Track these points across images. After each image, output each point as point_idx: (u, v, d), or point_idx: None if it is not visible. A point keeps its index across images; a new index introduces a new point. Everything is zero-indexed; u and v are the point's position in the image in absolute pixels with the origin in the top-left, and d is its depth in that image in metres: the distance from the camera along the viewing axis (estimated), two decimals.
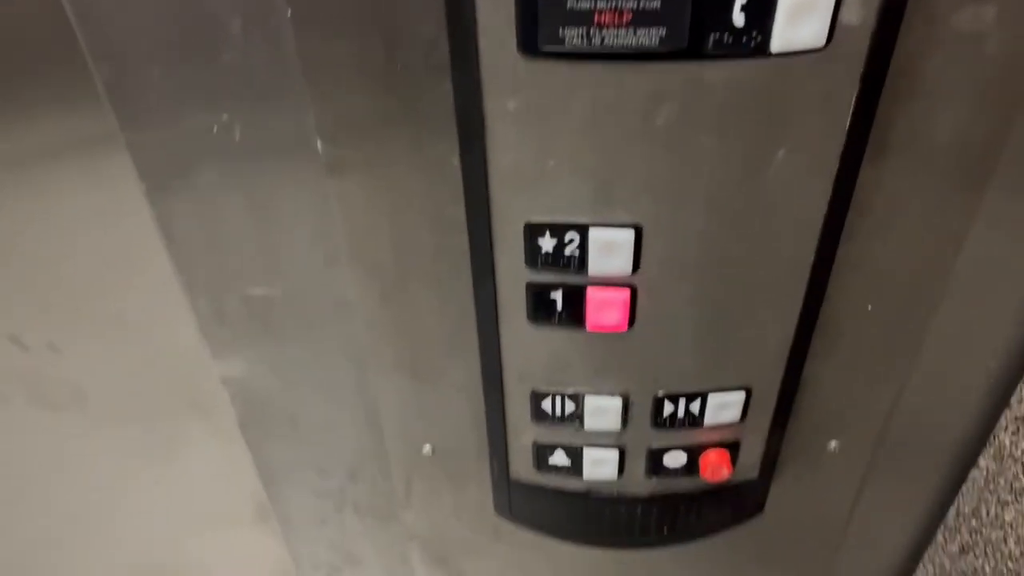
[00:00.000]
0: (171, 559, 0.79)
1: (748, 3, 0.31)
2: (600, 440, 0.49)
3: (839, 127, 0.35)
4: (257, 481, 0.69)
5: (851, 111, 0.34)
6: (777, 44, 0.32)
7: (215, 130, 0.39)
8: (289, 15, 0.35)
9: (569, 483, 0.52)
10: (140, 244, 0.51)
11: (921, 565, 0.60)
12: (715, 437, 0.49)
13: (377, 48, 0.35)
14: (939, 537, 0.57)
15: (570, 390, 0.46)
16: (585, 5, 0.31)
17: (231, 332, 0.48)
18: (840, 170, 0.37)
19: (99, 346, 0.60)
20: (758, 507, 0.55)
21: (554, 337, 0.44)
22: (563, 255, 0.40)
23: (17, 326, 0.59)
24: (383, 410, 0.52)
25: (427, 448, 0.54)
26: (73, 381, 0.62)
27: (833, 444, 0.52)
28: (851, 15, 0.31)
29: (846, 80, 0.33)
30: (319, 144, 0.39)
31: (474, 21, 0.33)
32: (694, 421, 0.47)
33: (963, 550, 0.54)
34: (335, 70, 0.36)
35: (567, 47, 0.32)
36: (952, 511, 0.55)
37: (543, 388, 0.47)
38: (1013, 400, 0.48)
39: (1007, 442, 0.48)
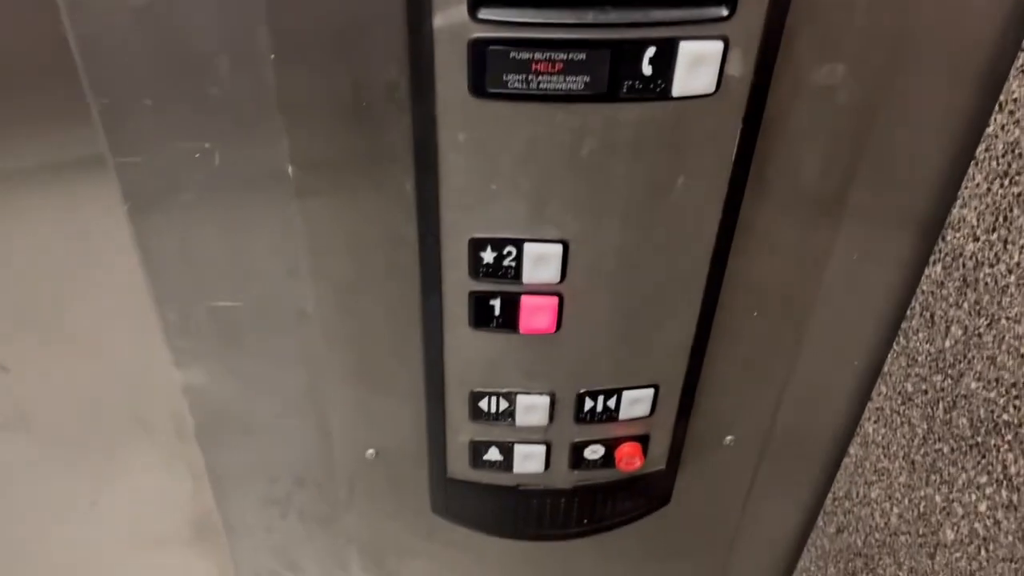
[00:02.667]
0: None
1: (655, 57, 0.39)
2: (529, 436, 0.55)
3: (727, 159, 0.43)
4: (194, 502, 0.72)
5: (736, 146, 0.43)
6: (677, 90, 0.40)
7: (197, 156, 0.44)
8: (272, 58, 0.41)
9: (501, 478, 0.58)
10: (90, 264, 0.55)
11: (805, 549, 0.68)
12: (629, 431, 0.56)
13: (346, 88, 0.42)
14: (819, 521, 0.66)
15: (504, 390, 0.53)
16: (524, 56, 0.39)
17: (196, 343, 0.52)
18: (728, 195, 0.45)
19: (46, 365, 0.62)
20: (666, 497, 0.62)
21: (492, 341, 0.50)
22: (502, 266, 0.46)
23: None
24: (331, 416, 0.57)
25: (371, 452, 0.59)
26: (19, 400, 0.65)
27: (729, 438, 0.60)
28: (734, 69, 0.40)
29: (731, 120, 0.42)
30: (290, 170, 0.45)
31: (432, 67, 0.40)
32: (611, 415, 0.54)
33: (839, 530, 0.63)
34: (309, 106, 0.42)
35: (509, 90, 0.40)
36: (829, 496, 0.64)
37: (480, 389, 0.53)
38: (873, 393, 0.57)
39: (870, 430, 0.57)
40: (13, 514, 0.73)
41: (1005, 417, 0.44)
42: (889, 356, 0.55)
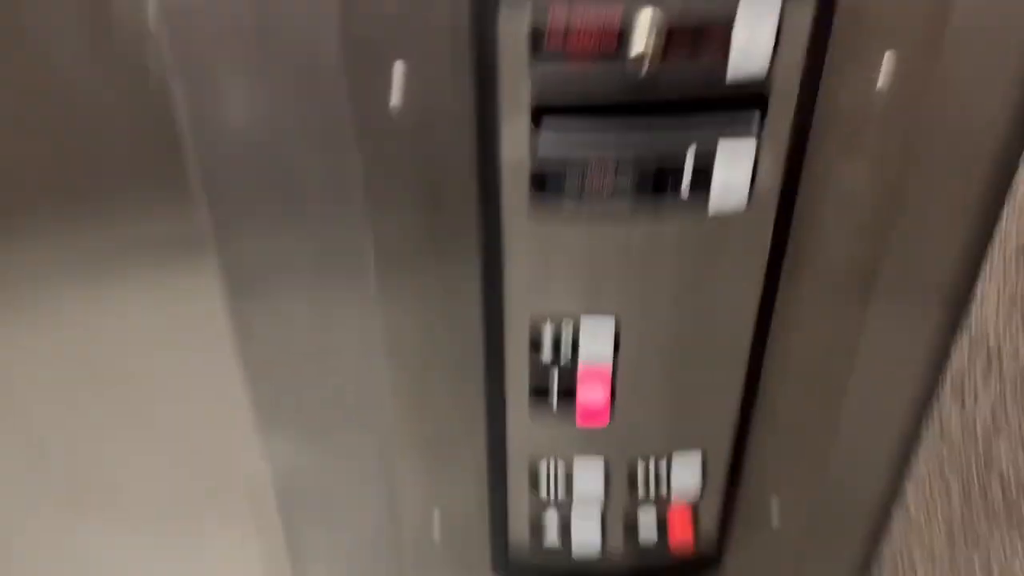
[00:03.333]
0: None
1: (692, 180, 0.44)
2: (586, 506, 0.60)
3: (761, 257, 0.48)
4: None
5: (768, 247, 0.48)
6: (713, 206, 0.45)
7: (293, 258, 0.50)
8: (361, 173, 0.47)
9: (559, 550, 0.62)
10: (177, 351, 0.61)
11: None
12: (679, 501, 0.60)
13: (426, 198, 0.48)
14: None
15: (561, 462, 0.58)
16: (577, 178, 0.44)
17: (282, 420, 0.58)
18: (764, 288, 0.50)
19: (133, 441, 0.69)
20: (715, 560, 0.66)
21: (550, 414, 0.55)
22: (559, 346, 0.52)
23: (66, 429, 0.67)
24: (402, 488, 0.62)
25: (437, 522, 0.64)
26: (108, 481, 0.71)
27: (775, 513, 0.64)
28: (763, 184, 0.45)
29: (762, 227, 0.47)
30: (373, 264, 0.51)
31: (498, 180, 0.46)
32: (662, 484, 0.59)
33: None
34: (393, 213, 0.49)
35: (565, 200, 0.45)
36: (875, 567, 0.67)
37: (538, 459, 0.58)
38: (913, 464, 0.60)
39: (910, 499, 0.61)
40: None
41: None
42: (923, 429, 0.58)
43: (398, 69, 0.44)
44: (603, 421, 0.54)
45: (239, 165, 0.47)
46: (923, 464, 0.59)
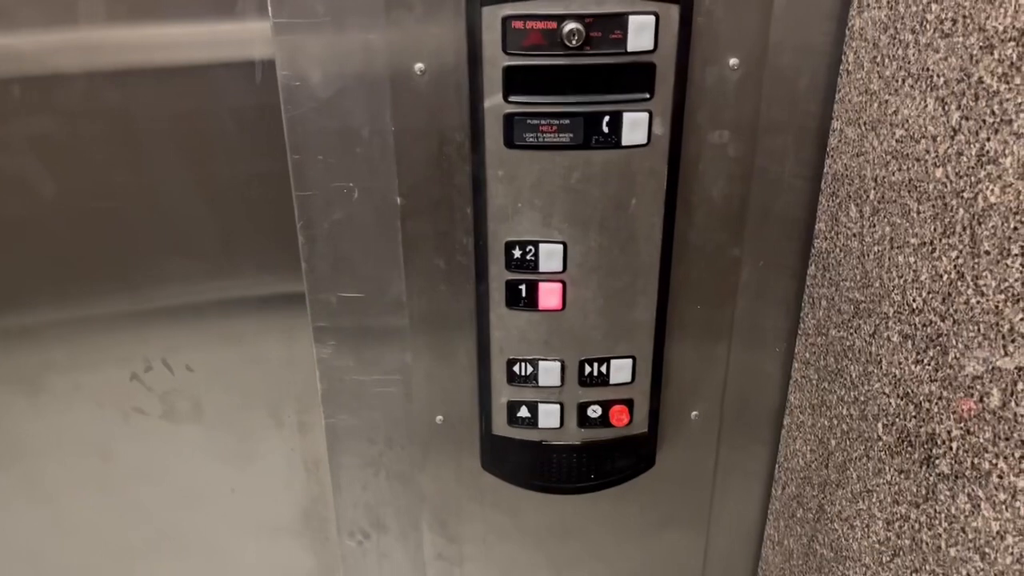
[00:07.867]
0: (220, 561, 1.02)
1: (609, 122, 0.68)
2: (548, 397, 0.80)
3: (661, 182, 0.71)
4: (306, 494, 0.96)
5: (665, 177, 0.71)
6: (625, 141, 0.69)
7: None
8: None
9: (530, 434, 0.82)
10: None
11: (768, 515, 0.89)
12: (617, 393, 0.80)
13: (435, 148, 0.72)
14: (773, 489, 0.87)
15: (529, 357, 0.78)
16: (535, 122, 0.68)
17: (332, 325, 0.80)
18: (665, 212, 0.72)
19: (220, 366, 0.90)
20: (651, 459, 0.85)
21: (520, 318, 0.77)
22: (525, 260, 0.74)
23: (168, 352, 0.89)
24: (415, 388, 0.83)
25: (439, 418, 0.84)
26: (195, 396, 0.92)
27: (694, 413, 0.84)
28: (657, 129, 0.68)
29: (661, 160, 0.70)
30: (398, 200, 0.74)
31: (483, 131, 0.69)
32: (604, 380, 0.79)
33: (783, 488, 0.84)
34: (416, 159, 0.72)
35: (526, 143, 0.69)
36: (776, 465, 0.85)
37: (514, 356, 0.79)
38: (792, 371, 0.80)
39: (792, 399, 0.80)
40: (176, 496, 0.98)
41: (849, 343, 0.68)
42: (797, 339, 0.79)
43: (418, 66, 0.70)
44: (558, 308, 0.76)
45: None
46: (796, 369, 0.79)
